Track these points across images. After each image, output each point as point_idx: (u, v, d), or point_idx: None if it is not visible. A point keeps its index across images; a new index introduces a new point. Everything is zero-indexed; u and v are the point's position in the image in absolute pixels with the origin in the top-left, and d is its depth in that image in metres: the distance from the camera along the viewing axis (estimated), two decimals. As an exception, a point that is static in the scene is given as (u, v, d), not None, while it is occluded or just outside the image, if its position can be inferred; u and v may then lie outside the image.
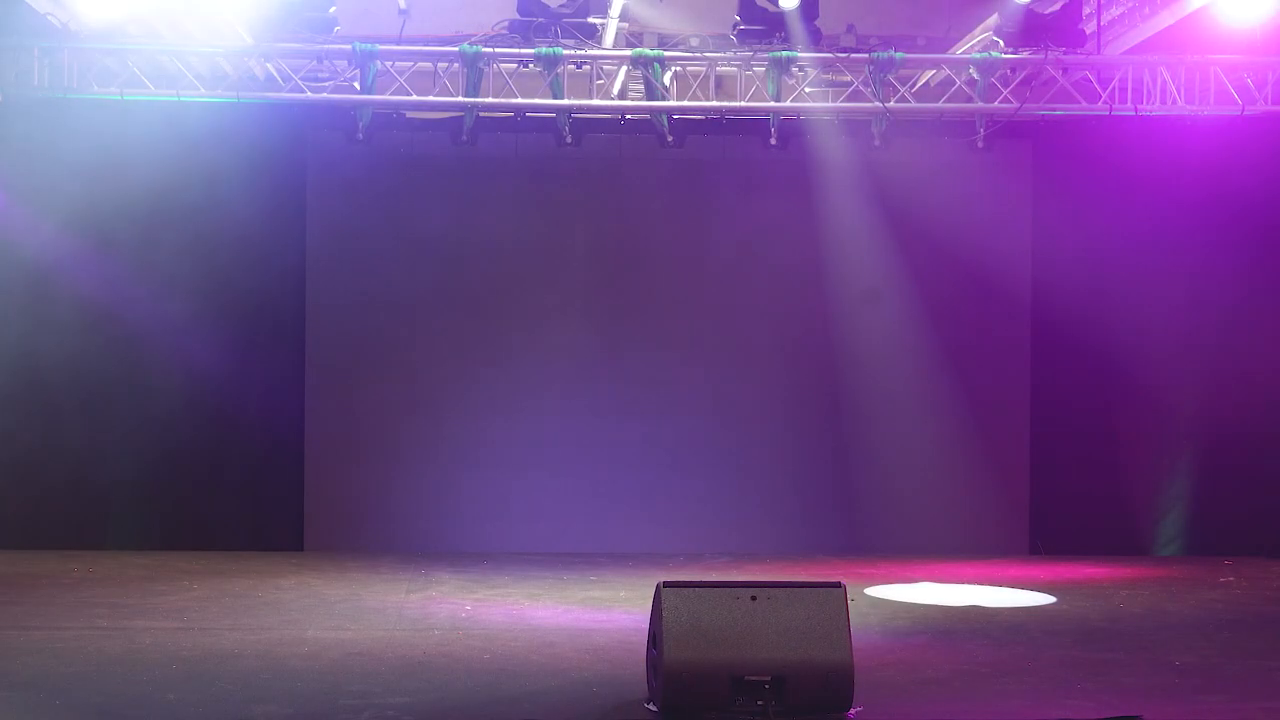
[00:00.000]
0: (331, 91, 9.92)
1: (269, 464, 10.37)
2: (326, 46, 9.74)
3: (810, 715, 5.55)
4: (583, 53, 9.82)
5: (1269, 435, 10.47)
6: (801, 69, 10.00)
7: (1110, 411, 10.58)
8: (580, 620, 7.83)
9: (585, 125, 10.29)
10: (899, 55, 9.89)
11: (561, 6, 9.79)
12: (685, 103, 10.11)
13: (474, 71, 9.78)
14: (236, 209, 10.14)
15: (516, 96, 9.92)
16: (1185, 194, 10.29)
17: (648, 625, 5.87)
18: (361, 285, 10.46)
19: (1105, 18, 10.10)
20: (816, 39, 9.80)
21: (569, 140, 10.08)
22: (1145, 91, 10.05)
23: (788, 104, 10.03)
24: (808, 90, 10.17)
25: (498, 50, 9.79)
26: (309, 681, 6.25)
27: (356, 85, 9.85)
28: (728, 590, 5.70)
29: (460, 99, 9.86)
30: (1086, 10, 9.93)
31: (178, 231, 10.15)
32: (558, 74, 9.82)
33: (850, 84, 9.97)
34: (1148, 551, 10.55)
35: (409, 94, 9.88)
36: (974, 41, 10.25)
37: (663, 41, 10.34)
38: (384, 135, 10.33)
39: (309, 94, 9.86)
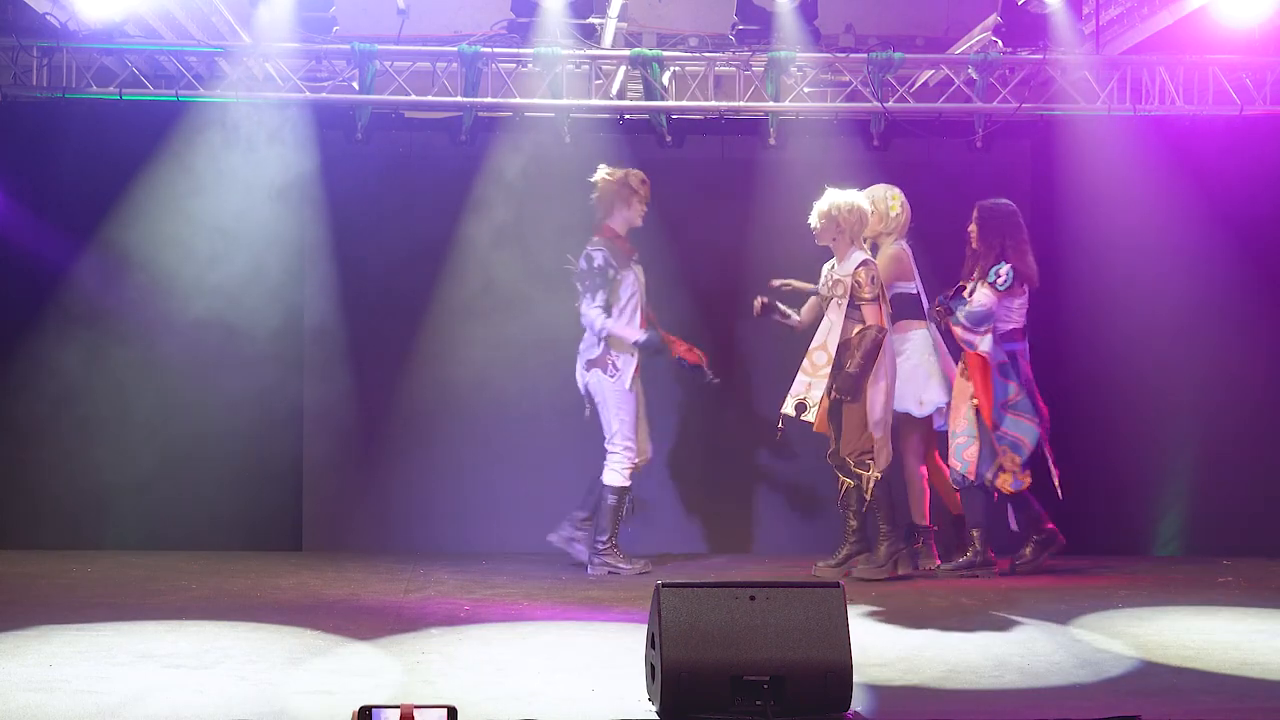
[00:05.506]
0: (330, 91, 9.94)
1: (267, 464, 10.36)
2: (325, 46, 9.76)
3: (809, 715, 5.55)
4: (581, 53, 9.84)
5: (1268, 435, 10.47)
6: (800, 69, 10.02)
7: (1109, 411, 10.57)
8: (579, 620, 7.82)
9: (584, 125, 10.29)
10: (898, 55, 9.91)
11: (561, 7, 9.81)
12: (684, 103, 10.13)
13: (472, 71, 9.80)
14: (233, 208, 10.14)
15: (515, 96, 9.94)
16: (1184, 194, 10.29)
17: (646, 625, 5.87)
18: (359, 284, 10.45)
19: (1104, 17, 10.12)
20: (815, 39, 9.83)
21: (568, 140, 10.09)
22: (1144, 91, 10.06)
23: (786, 104, 10.06)
24: (806, 90, 10.18)
25: (496, 50, 9.82)
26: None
27: (355, 85, 9.87)
28: (726, 590, 5.69)
29: (459, 99, 9.88)
30: (1085, 10, 9.94)
31: (175, 231, 10.16)
32: (556, 74, 9.83)
33: (849, 84, 9.99)
34: (1146, 551, 10.55)
35: (407, 94, 9.90)
36: (973, 41, 10.27)
37: (661, 41, 10.36)
38: (382, 135, 10.33)
39: (308, 94, 9.88)
